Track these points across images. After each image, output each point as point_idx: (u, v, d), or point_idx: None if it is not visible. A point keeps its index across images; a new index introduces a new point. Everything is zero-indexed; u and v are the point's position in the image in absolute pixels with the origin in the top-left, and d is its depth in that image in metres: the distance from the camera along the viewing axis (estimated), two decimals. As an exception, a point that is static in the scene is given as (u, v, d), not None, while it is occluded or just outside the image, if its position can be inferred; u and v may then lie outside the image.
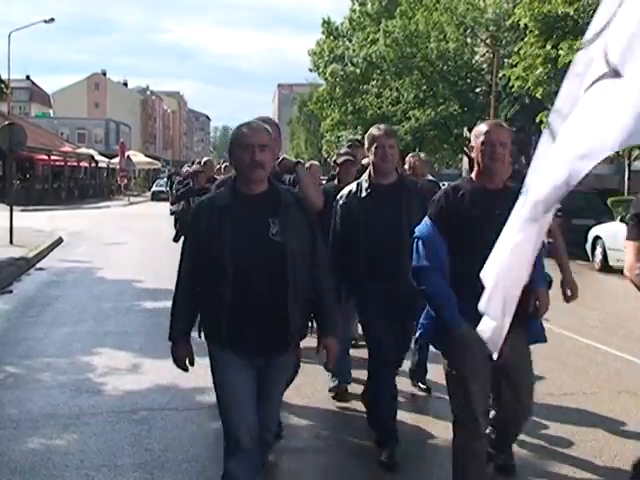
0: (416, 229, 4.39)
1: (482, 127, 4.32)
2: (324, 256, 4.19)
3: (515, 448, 5.19)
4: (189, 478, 5.02)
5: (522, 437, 5.26)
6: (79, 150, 57.13)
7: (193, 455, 5.40)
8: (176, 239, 13.27)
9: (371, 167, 5.45)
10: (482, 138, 4.25)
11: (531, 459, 5.47)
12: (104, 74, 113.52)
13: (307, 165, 9.22)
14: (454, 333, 4.14)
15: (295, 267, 3.84)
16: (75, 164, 54.58)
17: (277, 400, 4.26)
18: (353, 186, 5.53)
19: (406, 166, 8.29)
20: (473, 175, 4.40)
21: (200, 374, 7.34)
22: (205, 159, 13.00)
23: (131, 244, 20.78)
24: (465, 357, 4.16)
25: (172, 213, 12.13)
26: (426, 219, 4.36)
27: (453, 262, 4.21)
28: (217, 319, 3.89)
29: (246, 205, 3.91)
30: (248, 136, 3.91)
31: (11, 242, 18.18)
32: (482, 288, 3.71)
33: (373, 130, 5.47)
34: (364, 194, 5.39)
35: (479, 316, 3.79)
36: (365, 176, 5.50)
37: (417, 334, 4.44)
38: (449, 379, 4.36)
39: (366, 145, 5.44)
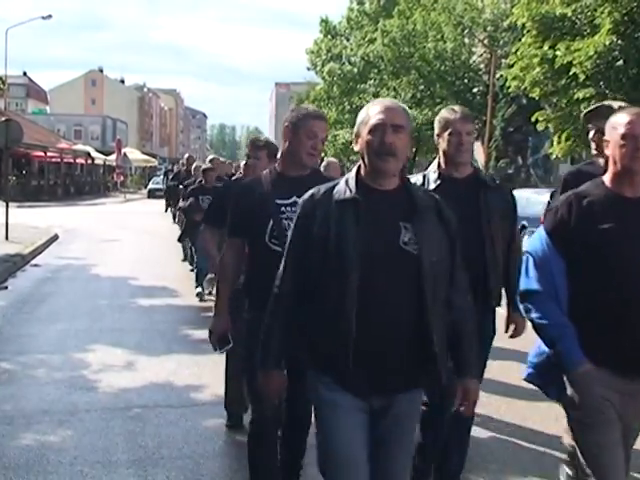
0: (528, 243, 3.51)
1: (622, 117, 3.28)
2: (464, 278, 3.27)
3: (502, 446, 5.18)
4: (183, 475, 5.01)
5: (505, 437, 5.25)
6: (75, 147, 57.09)
7: (187, 452, 5.39)
8: (181, 239, 13.19)
9: (441, 157, 4.49)
10: (622, 130, 3.22)
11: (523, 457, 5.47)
12: (101, 71, 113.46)
13: (324, 163, 8.35)
14: (572, 376, 3.24)
15: (435, 286, 3.01)
16: (71, 161, 54.55)
17: (408, 453, 3.26)
18: (417, 177, 4.53)
19: None
20: (606, 178, 3.35)
21: (194, 371, 7.42)
22: (211, 157, 12.82)
23: (127, 241, 20.75)
24: (588, 408, 3.24)
25: (179, 210, 11.72)
26: (541, 231, 3.41)
27: (573, 290, 3.30)
28: (336, 345, 2.98)
29: (373, 202, 3.04)
30: (379, 113, 3.06)
31: (7, 238, 18.16)
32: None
33: (446, 113, 4.48)
34: (432, 186, 4.35)
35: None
36: (433, 167, 4.57)
37: (525, 374, 3.54)
38: (574, 433, 3.42)
39: (436, 130, 4.50)
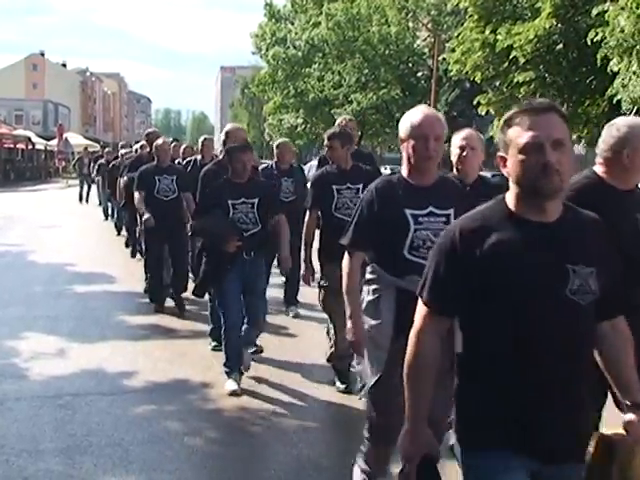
0: None
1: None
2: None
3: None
4: (111, 462, 4.92)
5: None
6: (16, 132, 55.95)
7: (116, 439, 5.29)
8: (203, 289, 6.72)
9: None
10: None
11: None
12: (42, 55, 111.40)
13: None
14: None
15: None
16: (11, 146, 53.43)
17: None
18: None
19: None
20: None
21: (128, 358, 7.32)
22: (230, 125, 7.72)
23: (67, 227, 20.39)
24: None
25: (193, 234, 7.20)
26: None
27: None
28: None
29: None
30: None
31: (-59, 225, 17.75)
32: None
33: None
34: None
35: None
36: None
37: None
38: None
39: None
